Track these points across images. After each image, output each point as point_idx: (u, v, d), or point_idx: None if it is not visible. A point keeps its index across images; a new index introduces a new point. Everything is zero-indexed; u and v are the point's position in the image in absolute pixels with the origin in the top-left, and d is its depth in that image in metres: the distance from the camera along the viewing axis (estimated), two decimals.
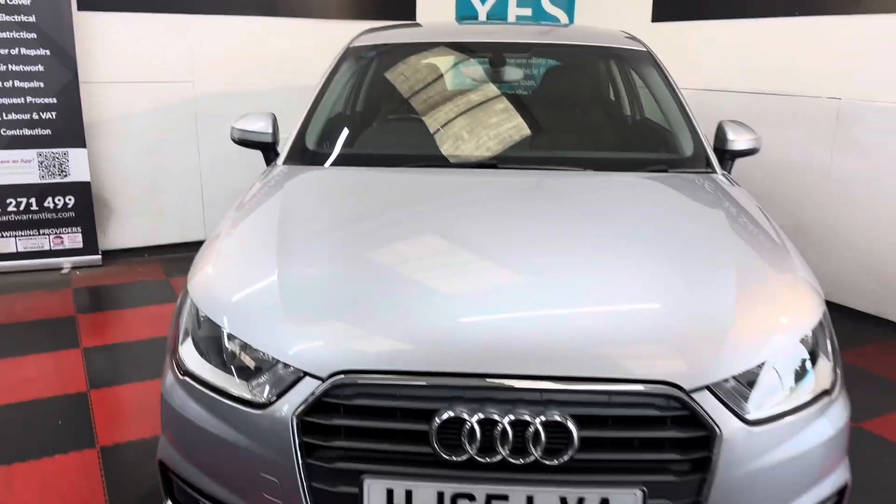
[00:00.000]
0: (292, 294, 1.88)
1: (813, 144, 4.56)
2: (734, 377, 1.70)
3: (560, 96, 3.39)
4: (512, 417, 1.61)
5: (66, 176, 5.14)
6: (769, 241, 2.22)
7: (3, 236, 5.07)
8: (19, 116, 4.96)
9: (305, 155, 2.88)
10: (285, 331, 1.78)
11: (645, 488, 1.62)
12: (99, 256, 5.33)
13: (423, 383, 1.66)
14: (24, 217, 5.11)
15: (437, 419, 1.62)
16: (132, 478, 2.70)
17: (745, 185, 4.86)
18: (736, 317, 1.80)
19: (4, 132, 4.94)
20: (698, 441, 1.65)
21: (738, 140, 2.93)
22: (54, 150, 5.09)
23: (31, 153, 5.04)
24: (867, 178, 4.31)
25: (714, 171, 2.76)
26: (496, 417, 1.61)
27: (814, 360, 1.87)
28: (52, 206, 5.16)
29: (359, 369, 1.67)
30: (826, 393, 1.84)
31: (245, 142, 3.06)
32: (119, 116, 5.36)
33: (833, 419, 1.84)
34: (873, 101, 4.23)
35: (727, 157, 2.97)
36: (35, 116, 5.00)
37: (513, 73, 3.47)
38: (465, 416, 1.61)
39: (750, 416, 1.69)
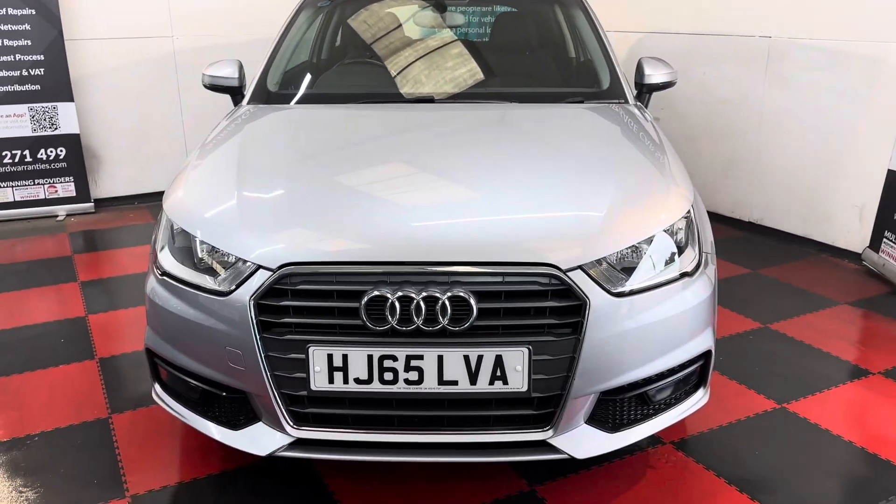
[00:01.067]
0: (248, 206, 2.29)
1: (747, 81, 4.93)
2: (604, 259, 2.12)
3: (502, 40, 3.76)
4: (425, 294, 2.02)
5: (56, 129, 5.49)
6: (653, 155, 2.62)
7: (1, 187, 5.45)
8: (10, 73, 5.29)
9: (267, 95, 3.26)
10: (242, 235, 2.18)
11: (530, 347, 2.04)
12: (91, 204, 5.71)
13: (354, 270, 2.07)
14: (20, 168, 5.47)
15: (365, 297, 2.03)
16: (127, 381, 3.13)
17: (687, 121, 5.25)
18: (607, 213, 2.22)
19: None
20: (573, 309, 2.06)
21: (654, 74, 3.31)
22: (44, 105, 5.44)
23: (22, 108, 5.39)
24: (795, 111, 4.69)
25: (626, 101, 3.14)
26: (412, 294, 2.02)
27: (680, 249, 2.29)
28: (45, 157, 5.52)
29: (301, 261, 2.08)
30: (687, 274, 2.26)
31: (215, 87, 3.43)
32: (104, 71, 5.69)
33: (694, 294, 2.26)
34: (800, 39, 4.58)
35: (645, 90, 3.34)
36: (25, 73, 5.33)
37: (456, 18, 3.83)
38: (388, 295, 2.02)
39: (615, 290, 2.11)
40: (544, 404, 2.12)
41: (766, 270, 4.36)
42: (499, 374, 2.06)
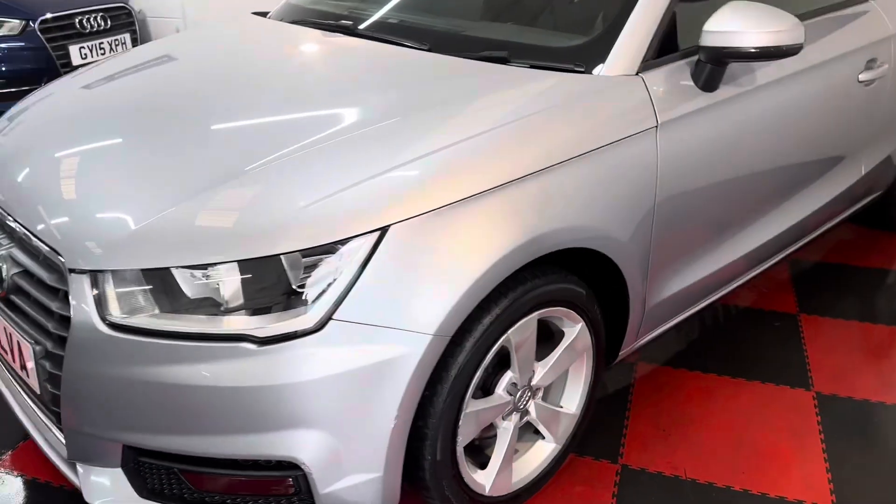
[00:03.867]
0: None
1: None
2: (137, 272, 1.54)
3: None
4: None
5: None
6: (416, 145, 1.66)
7: None
8: None
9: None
10: None
11: (37, 347, 1.65)
12: None
13: None
14: None
15: None
16: None
17: None
18: (176, 209, 1.58)
19: None
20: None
21: (721, 34, 1.95)
22: None
23: None
24: None
25: (584, 71, 1.94)
26: None
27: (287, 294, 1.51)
28: None
29: None
30: (266, 339, 1.49)
31: None
32: None
33: (268, 370, 1.49)
34: None
35: (702, 56, 2.03)
36: None
37: None
38: None
39: (114, 319, 1.52)
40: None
41: None
42: (23, 363, 1.74)
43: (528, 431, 2.03)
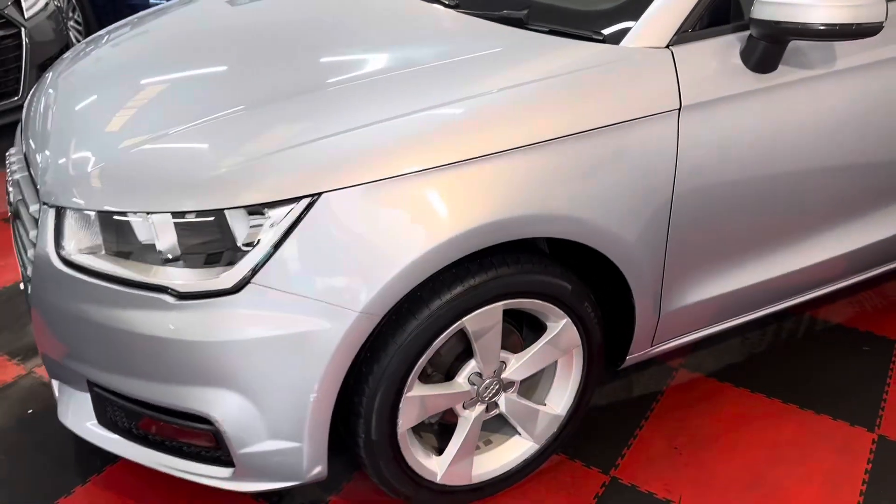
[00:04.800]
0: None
1: None
2: (93, 212, 1.57)
3: None
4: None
5: None
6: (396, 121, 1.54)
7: None
8: None
9: None
10: None
11: None
12: None
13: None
14: None
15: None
16: None
17: None
18: (129, 155, 1.61)
19: None
20: None
21: (777, 6, 1.66)
22: None
23: None
24: None
25: (598, 39, 1.72)
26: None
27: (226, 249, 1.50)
28: None
29: None
30: (166, 291, 1.49)
31: None
32: None
33: (189, 324, 1.49)
34: None
35: (753, 30, 1.73)
36: None
37: None
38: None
39: (65, 254, 1.58)
40: None
41: None
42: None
43: (507, 425, 1.91)
